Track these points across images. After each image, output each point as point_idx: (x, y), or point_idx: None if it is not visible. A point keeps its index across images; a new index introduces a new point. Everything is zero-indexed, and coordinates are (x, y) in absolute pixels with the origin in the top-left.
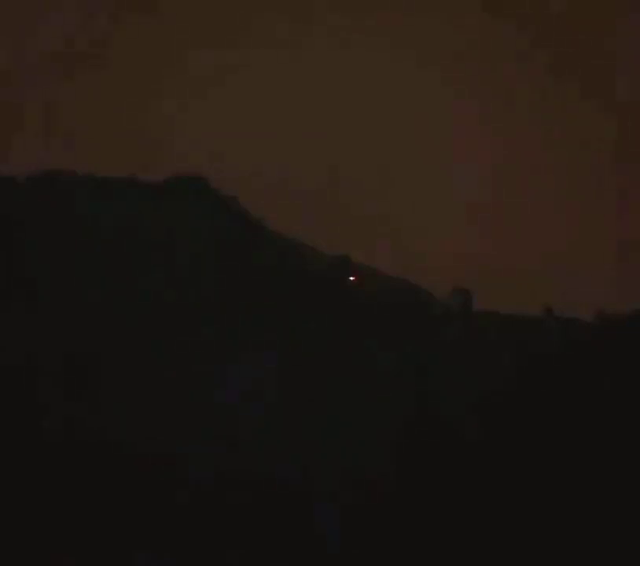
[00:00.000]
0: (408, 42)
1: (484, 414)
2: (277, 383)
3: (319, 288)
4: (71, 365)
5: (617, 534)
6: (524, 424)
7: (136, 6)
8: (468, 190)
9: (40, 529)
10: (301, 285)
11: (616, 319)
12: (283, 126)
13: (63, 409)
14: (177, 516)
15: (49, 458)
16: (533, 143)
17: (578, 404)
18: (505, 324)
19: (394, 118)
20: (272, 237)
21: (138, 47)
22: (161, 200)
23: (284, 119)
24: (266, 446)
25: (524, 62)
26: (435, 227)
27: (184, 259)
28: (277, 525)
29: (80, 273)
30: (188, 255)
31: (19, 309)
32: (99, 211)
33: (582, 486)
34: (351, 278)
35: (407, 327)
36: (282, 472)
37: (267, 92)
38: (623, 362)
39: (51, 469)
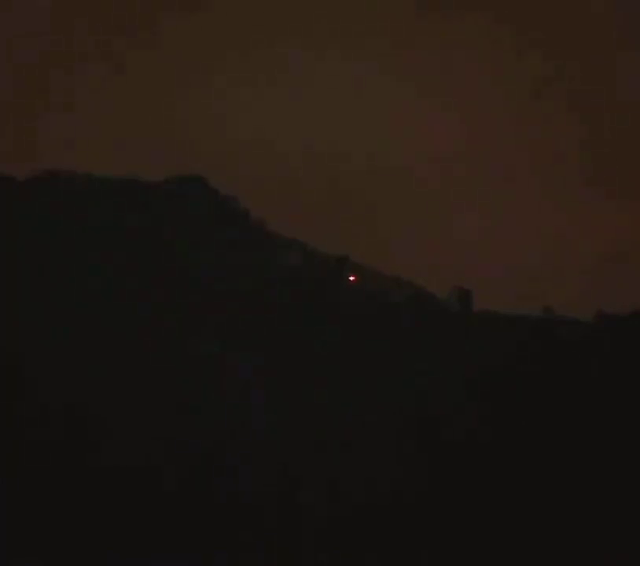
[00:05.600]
0: (393, 51)
1: (485, 414)
2: (275, 384)
3: (319, 288)
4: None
5: (617, 535)
6: (525, 424)
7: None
8: (469, 190)
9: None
10: (300, 285)
11: (615, 319)
12: (283, 128)
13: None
14: (173, 520)
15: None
16: (534, 144)
17: (578, 404)
18: (505, 324)
19: (393, 121)
20: (272, 236)
21: (150, 52)
22: (161, 200)
23: (284, 120)
24: (263, 451)
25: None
26: (434, 227)
27: (183, 258)
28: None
29: (79, 272)
30: (187, 255)
31: (13, 308)
32: (98, 210)
33: (582, 486)
34: (351, 278)
35: (407, 327)
36: (278, 478)
37: (267, 95)
38: (623, 362)
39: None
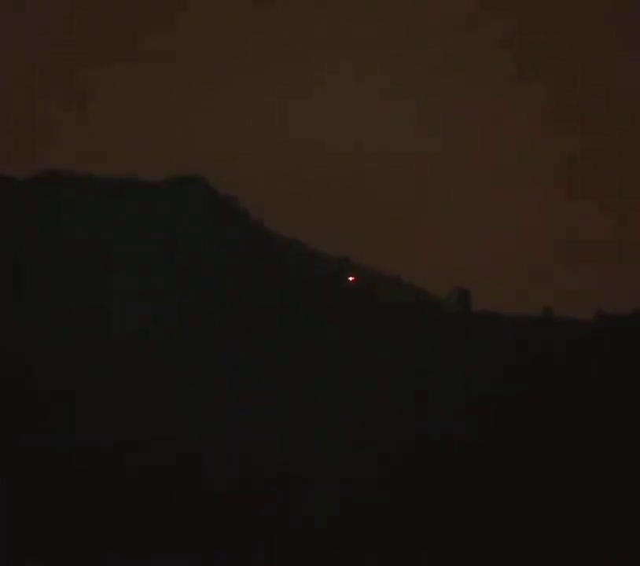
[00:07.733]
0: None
1: (484, 414)
2: (276, 384)
3: (318, 289)
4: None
5: (617, 535)
6: (524, 424)
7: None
8: (469, 191)
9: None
10: (300, 285)
11: (615, 319)
12: (283, 129)
13: (69, 411)
14: (180, 517)
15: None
16: (535, 145)
17: (578, 403)
18: (505, 324)
19: (393, 124)
20: (272, 237)
21: (152, 54)
22: (161, 200)
23: (283, 122)
24: (263, 451)
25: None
26: (434, 228)
27: (183, 258)
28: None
29: (79, 272)
30: (187, 255)
31: (12, 306)
32: (98, 210)
33: (582, 485)
34: (351, 278)
35: (407, 327)
36: (279, 478)
37: (267, 96)
38: (623, 362)
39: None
